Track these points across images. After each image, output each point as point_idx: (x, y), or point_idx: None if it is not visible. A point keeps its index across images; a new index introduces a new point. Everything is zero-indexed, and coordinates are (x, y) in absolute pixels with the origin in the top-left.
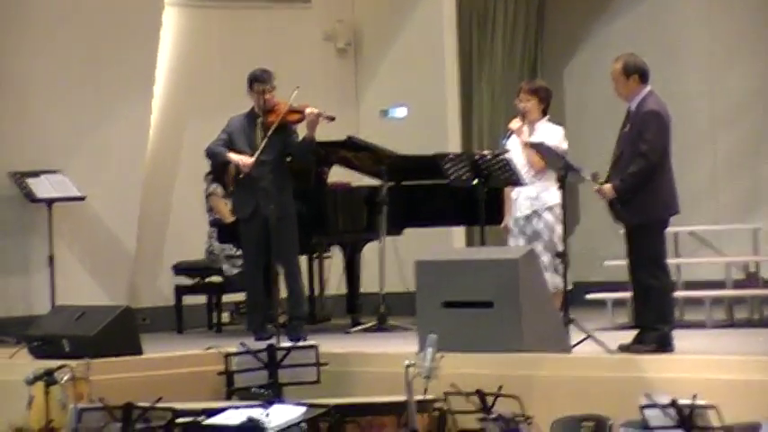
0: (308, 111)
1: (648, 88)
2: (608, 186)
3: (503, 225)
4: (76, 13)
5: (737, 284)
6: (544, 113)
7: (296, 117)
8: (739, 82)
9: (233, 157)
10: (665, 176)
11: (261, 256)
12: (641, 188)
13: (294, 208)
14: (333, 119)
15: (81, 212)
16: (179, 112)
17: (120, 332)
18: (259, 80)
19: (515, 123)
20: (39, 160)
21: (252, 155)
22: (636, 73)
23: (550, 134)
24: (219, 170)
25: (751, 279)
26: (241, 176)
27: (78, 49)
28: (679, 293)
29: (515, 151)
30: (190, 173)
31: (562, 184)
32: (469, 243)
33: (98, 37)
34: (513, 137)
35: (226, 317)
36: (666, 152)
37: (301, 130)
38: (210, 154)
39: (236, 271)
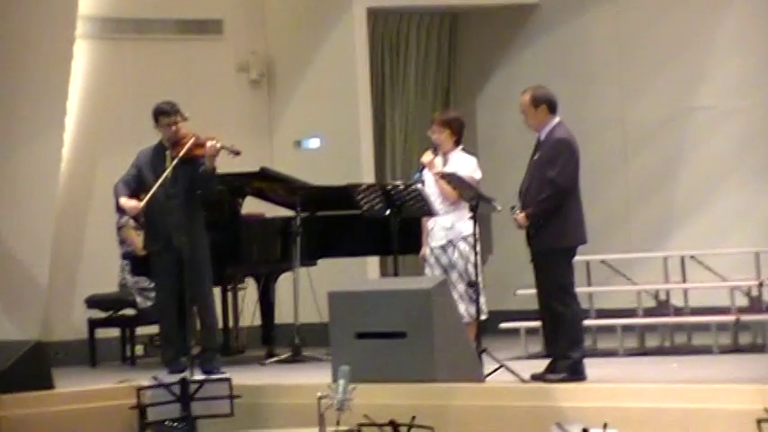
0: (208, 144)
1: (557, 119)
2: (521, 215)
3: (420, 255)
4: None
5: (648, 312)
6: (457, 143)
7: (200, 151)
8: (650, 109)
9: (121, 201)
10: (573, 206)
11: (174, 289)
12: (552, 214)
13: (206, 239)
14: (238, 153)
15: None
16: (91, 145)
17: (31, 367)
18: (164, 113)
19: (427, 157)
20: None
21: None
22: (544, 103)
23: (464, 164)
24: None
25: (662, 307)
26: (124, 220)
27: None
28: (591, 322)
29: (429, 183)
30: (102, 205)
31: (474, 214)
32: (384, 273)
33: (9, 69)
34: (426, 169)
35: (139, 350)
36: (575, 181)
37: None
38: (113, 193)
39: (149, 303)
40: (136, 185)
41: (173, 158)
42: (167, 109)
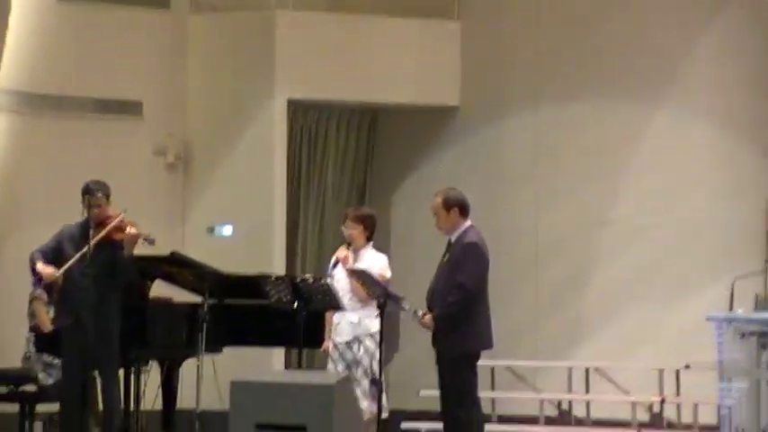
0: (127, 230)
1: (468, 222)
2: (428, 317)
3: (323, 348)
4: None
5: (550, 421)
6: (369, 240)
7: (120, 235)
8: (563, 220)
9: (39, 265)
10: (480, 310)
11: (79, 368)
12: (459, 318)
13: (117, 321)
14: (152, 242)
15: None
16: (2, 219)
17: None
18: (89, 192)
19: (342, 252)
20: None
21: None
22: (456, 206)
23: (375, 262)
24: None
25: (564, 416)
26: (38, 292)
27: None
28: (493, 427)
29: (340, 277)
30: (10, 280)
31: (381, 312)
32: (288, 365)
33: None
34: (340, 265)
35: (38, 427)
36: (483, 286)
37: None
38: (29, 259)
39: (51, 381)
40: (53, 258)
41: (92, 237)
42: (93, 188)
